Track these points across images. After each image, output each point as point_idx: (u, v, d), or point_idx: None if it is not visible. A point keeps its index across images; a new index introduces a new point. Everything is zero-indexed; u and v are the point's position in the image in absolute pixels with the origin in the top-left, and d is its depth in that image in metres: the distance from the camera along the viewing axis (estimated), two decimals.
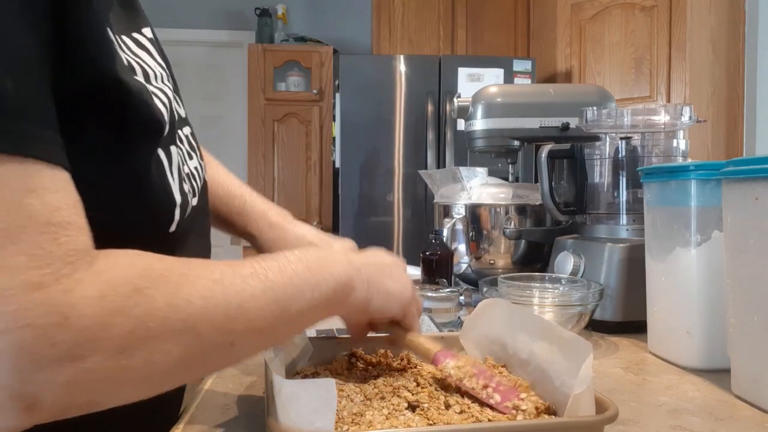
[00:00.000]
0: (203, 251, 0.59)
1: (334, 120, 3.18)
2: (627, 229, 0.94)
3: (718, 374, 0.67)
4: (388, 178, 2.75)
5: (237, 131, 3.69)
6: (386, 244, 2.73)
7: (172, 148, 0.47)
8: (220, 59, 3.70)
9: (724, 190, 0.63)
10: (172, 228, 0.46)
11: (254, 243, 0.75)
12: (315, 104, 3.30)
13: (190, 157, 0.55)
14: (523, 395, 0.49)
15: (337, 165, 2.85)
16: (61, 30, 0.35)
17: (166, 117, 0.44)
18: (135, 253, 0.37)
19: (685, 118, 0.91)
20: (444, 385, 0.54)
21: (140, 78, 0.43)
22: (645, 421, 0.55)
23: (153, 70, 0.47)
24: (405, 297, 0.56)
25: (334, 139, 3.22)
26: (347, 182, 2.75)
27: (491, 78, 2.72)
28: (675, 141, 0.95)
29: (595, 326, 0.89)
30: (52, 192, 0.32)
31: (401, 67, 2.74)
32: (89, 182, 0.37)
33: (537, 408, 0.47)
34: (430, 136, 2.68)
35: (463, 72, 2.73)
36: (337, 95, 2.80)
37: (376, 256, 0.57)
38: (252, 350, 0.42)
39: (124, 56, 0.42)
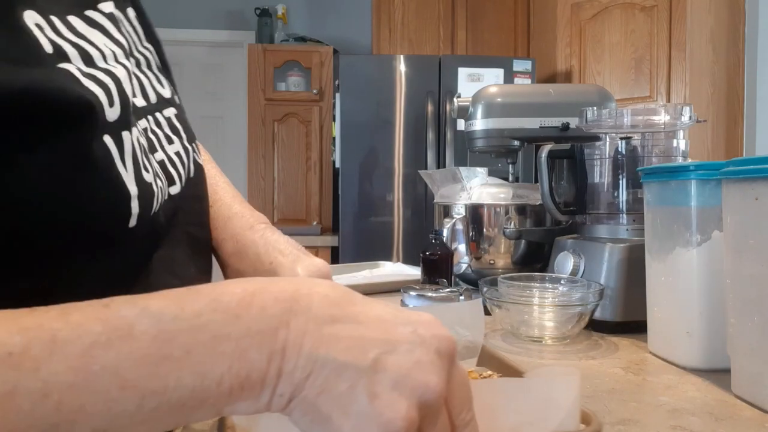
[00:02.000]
0: (195, 241, 0.53)
1: (334, 120, 3.18)
2: (627, 229, 0.94)
3: (718, 374, 0.67)
4: (388, 178, 2.75)
5: (237, 131, 3.69)
6: (386, 244, 2.73)
7: (124, 134, 0.40)
8: (220, 59, 3.71)
9: (724, 190, 0.63)
10: (132, 223, 0.39)
11: (216, 258, 0.59)
12: (315, 104, 3.30)
13: (170, 142, 0.50)
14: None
15: (337, 165, 2.85)
16: None
17: (104, 100, 0.37)
18: None
19: (685, 118, 0.91)
20: None
21: (75, 62, 0.37)
22: (645, 421, 0.55)
23: (101, 50, 0.40)
24: (423, 384, 0.29)
25: (334, 139, 3.22)
26: (347, 182, 2.75)
27: (491, 78, 2.72)
28: (675, 141, 0.95)
29: (595, 326, 0.89)
30: None
31: (401, 67, 2.74)
32: (12, 182, 0.33)
33: None
34: (430, 136, 2.68)
35: (463, 72, 2.73)
36: (337, 95, 2.80)
37: (359, 322, 0.31)
38: None
39: (51, 40, 0.36)
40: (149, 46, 0.51)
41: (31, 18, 0.35)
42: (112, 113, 0.39)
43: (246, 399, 0.29)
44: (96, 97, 0.37)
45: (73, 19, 0.40)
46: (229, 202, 0.61)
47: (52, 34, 0.37)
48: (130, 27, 0.48)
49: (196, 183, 0.54)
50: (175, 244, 0.49)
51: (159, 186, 0.44)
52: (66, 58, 0.37)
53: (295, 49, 3.34)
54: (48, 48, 0.36)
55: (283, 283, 0.31)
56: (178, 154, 0.51)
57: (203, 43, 3.67)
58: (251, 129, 3.29)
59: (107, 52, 0.41)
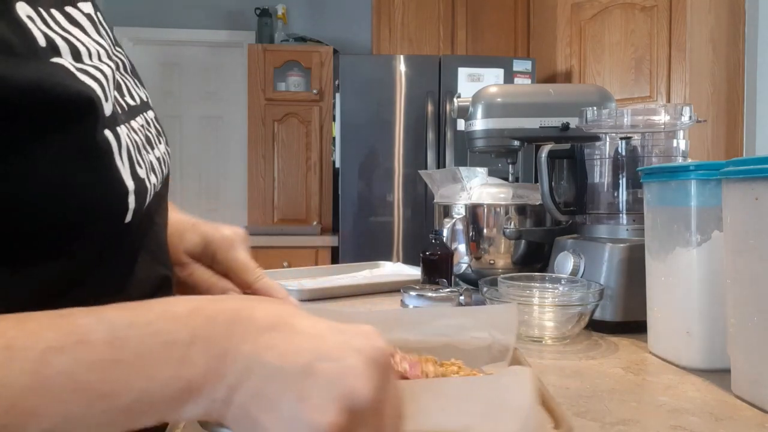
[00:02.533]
0: (164, 228, 0.55)
1: (334, 120, 3.18)
2: (627, 229, 0.94)
3: (718, 374, 0.67)
4: (388, 178, 2.75)
5: (237, 131, 3.69)
6: (386, 244, 2.73)
7: (119, 130, 0.41)
8: (220, 59, 3.70)
9: (724, 190, 0.63)
10: (128, 218, 0.39)
11: None
12: (315, 104, 3.30)
13: (159, 142, 0.51)
14: (430, 366, 0.50)
15: (337, 165, 2.85)
16: None
17: (101, 94, 0.38)
18: None
19: (685, 118, 0.91)
20: None
21: (66, 57, 0.37)
22: (645, 421, 0.55)
23: (87, 47, 0.41)
24: (331, 417, 0.29)
25: (334, 139, 3.22)
26: (347, 182, 2.75)
27: (491, 78, 2.72)
28: (675, 141, 0.95)
29: (595, 326, 0.89)
30: None
31: (401, 67, 2.74)
32: (17, 176, 0.33)
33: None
34: (430, 136, 2.68)
35: (463, 72, 2.73)
36: (337, 95, 2.80)
37: (297, 332, 0.31)
38: None
39: (44, 33, 0.37)
40: (120, 50, 0.51)
41: (23, 10, 0.35)
42: (107, 108, 0.39)
43: (189, 403, 0.29)
44: (94, 91, 0.37)
45: (56, 14, 0.40)
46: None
47: (43, 27, 0.37)
48: (104, 30, 0.48)
49: (166, 183, 0.55)
50: (158, 235, 0.51)
51: (152, 182, 0.45)
52: (58, 53, 0.37)
53: (295, 49, 3.34)
54: (42, 41, 0.36)
55: (230, 300, 0.34)
56: (164, 153, 0.53)
57: (203, 43, 3.67)
58: (251, 129, 3.29)
59: (92, 50, 0.41)
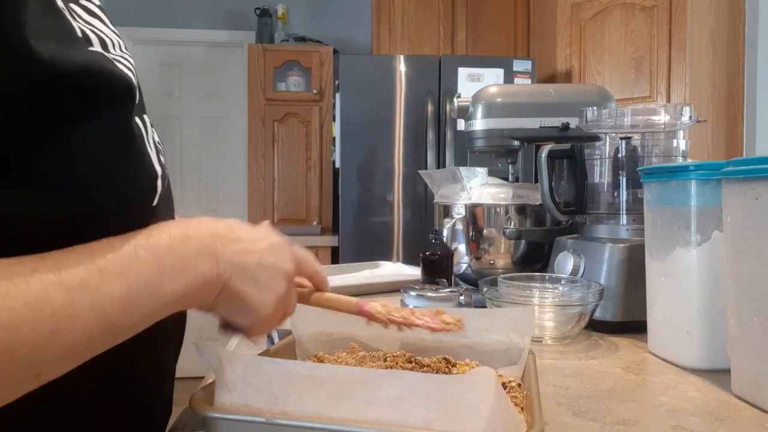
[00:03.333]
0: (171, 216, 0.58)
1: (334, 120, 3.18)
2: (627, 229, 0.94)
3: (718, 374, 0.67)
4: (388, 178, 2.75)
5: (237, 131, 3.69)
6: (386, 244, 2.73)
7: (146, 118, 0.45)
8: (220, 59, 3.70)
9: (724, 190, 0.63)
10: (155, 201, 0.43)
11: None
12: (315, 104, 3.30)
13: (154, 133, 0.54)
14: (445, 315, 0.56)
15: (337, 165, 2.85)
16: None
17: (134, 81, 0.41)
18: None
19: (685, 118, 0.91)
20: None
21: (97, 47, 0.40)
22: (645, 421, 0.55)
23: (110, 38, 0.43)
24: (285, 271, 0.50)
25: (334, 139, 3.22)
26: (347, 182, 2.75)
27: (491, 78, 2.72)
28: (675, 141, 0.95)
29: (595, 326, 0.89)
30: None
31: (401, 67, 2.74)
32: (64, 159, 0.35)
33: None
34: (430, 136, 2.68)
35: (463, 72, 2.73)
36: (337, 95, 2.80)
37: (243, 240, 0.48)
38: (62, 372, 0.36)
39: (77, 26, 0.39)
40: (116, 31, 0.52)
41: (58, 3, 0.37)
42: (137, 96, 0.42)
43: (203, 297, 0.44)
44: (130, 79, 0.40)
45: (75, 7, 0.42)
46: None
47: (73, 20, 0.39)
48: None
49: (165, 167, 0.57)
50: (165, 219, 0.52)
51: (165, 169, 0.48)
52: (90, 43, 0.40)
53: (295, 49, 3.34)
54: (78, 32, 0.38)
55: (205, 222, 0.46)
56: (158, 142, 0.54)
57: (203, 43, 3.66)
58: (251, 129, 3.29)
59: (114, 41, 0.44)
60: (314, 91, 3.27)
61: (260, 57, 3.26)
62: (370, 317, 0.56)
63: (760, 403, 0.58)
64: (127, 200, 0.40)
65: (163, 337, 0.51)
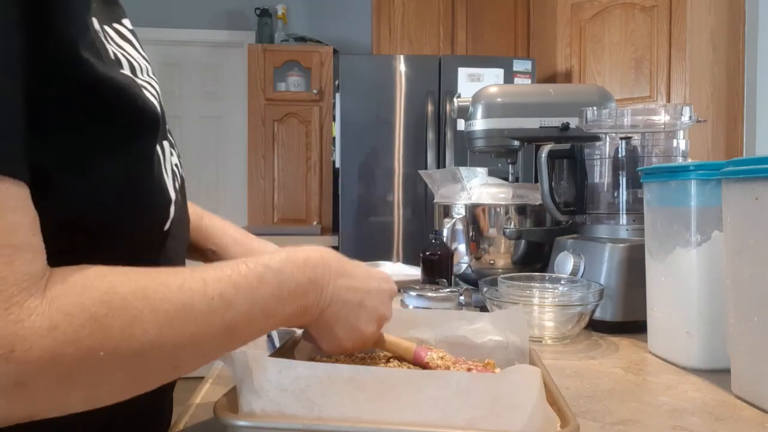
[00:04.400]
0: (184, 243, 0.58)
1: (334, 120, 3.18)
2: (627, 229, 0.94)
3: (718, 374, 0.67)
4: (388, 178, 2.75)
5: (237, 131, 3.69)
6: (386, 244, 2.73)
7: (165, 143, 0.46)
8: (220, 59, 3.70)
9: (724, 190, 0.63)
10: (167, 226, 0.45)
11: (214, 259, 0.70)
12: (315, 104, 3.30)
13: (171, 153, 0.54)
14: (497, 370, 0.57)
15: (337, 165, 2.85)
16: (42, 27, 0.34)
17: (159, 110, 0.43)
18: (95, 272, 0.35)
19: (685, 118, 0.91)
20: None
21: (127, 71, 0.42)
22: (645, 421, 0.55)
23: (138, 63, 0.45)
24: (381, 315, 0.54)
25: (334, 139, 3.22)
26: (347, 182, 2.75)
27: (491, 78, 2.72)
28: (675, 141, 0.95)
29: (595, 326, 0.89)
30: (13, 211, 0.31)
31: (401, 67, 2.74)
32: (87, 182, 0.36)
33: None
34: (430, 136, 2.68)
35: (463, 72, 2.73)
36: (337, 95, 2.80)
37: (353, 277, 0.52)
38: (195, 368, 0.41)
39: (111, 49, 0.40)
40: (145, 56, 0.53)
41: (95, 25, 0.39)
42: (161, 122, 0.43)
43: (302, 318, 0.48)
44: (156, 108, 0.42)
45: (109, 30, 0.43)
46: (212, 216, 0.74)
47: (106, 42, 0.40)
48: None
49: (183, 191, 0.57)
50: (176, 244, 0.52)
51: (178, 193, 0.50)
52: (121, 66, 0.41)
53: (295, 49, 3.34)
54: (111, 54, 0.40)
55: (315, 251, 0.50)
56: (176, 165, 0.54)
57: (203, 43, 3.66)
58: (251, 129, 3.29)
59: (142, 66, 0.45)
60: (314, 91, 3.27)
61: (260, 57, 3.25)
62: (426, 368, 0.56)
63: (760, 403, 0.58)
64: (139, 225, 0.42)
65: None
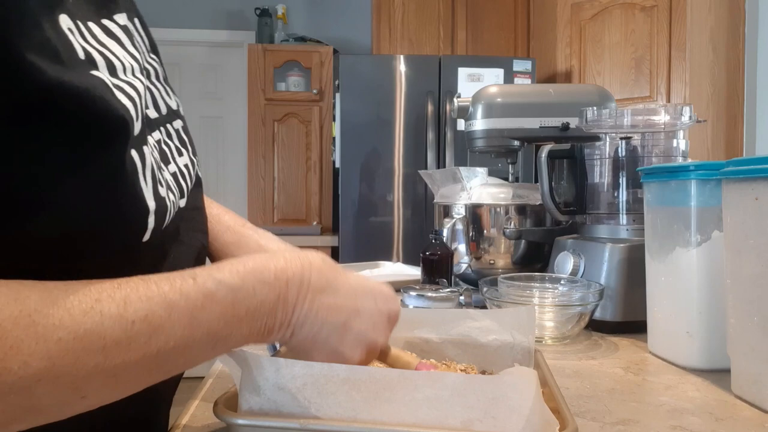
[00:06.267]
0: (196, 247, 0.54)
1: (334, 120, 3.18)
2: (627, 229, 0.94)
3: (718, 374, 0.67)
4: (388, 178, 2.75)
5: (237, 131, 3.69)
6: (386, 244, 2.73)
7: (145, 149, 0.41)
8: (220, 59, 3.70)
9: (724, 190, 0.63)
10: (146, 237, 0.40)
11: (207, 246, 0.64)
12: (315, 104, 3.30)
13: (180, 154, 0.51)
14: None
15: (337, 165, 2.85)
16: None
17: (133, 113, 0.38)
18: None
19: (685, 118, 0.91)
20: None
21: (102, 71, 0.37)
22: (645, 421, 0.55)
23: (121, 62, 0.41)
24: (370, 342, 0.47)
25: (334, 139, 3.22)
26: (347, 182, 2.75)
27: (491, 78, 2.72)
28: (675, 141, 0.95)
29: (595, 326, 0.89)
30: None
31: (401, 67, 2.74)
32: (48, 190, 0.34)
33: None
34: (430, 136, 2.68)
35: (463, 72, 2.73)
36: (337, 95, 2.80)
37: (338, 294, 0.45)
38: (114, 398, 0.36)
39: (82, 47, 0.36)
40: (154, 56, 0.51)
41: (65, 22, 0.35)
42: (137, 128, 0.39)
43: (266, 338, 0.42)
44: (128, 111, 0.37)
45: (93, 27, 0.40)
46: (210, 201, 0.67)
47: (81, 40, 0.37)
48: (139, 38, 0.47)
49: (196, 193, 0.55)
50: (181, 252, 0.50)
51: (171, 200, 0.44)
52: (95, 66, 0.37)
53: (295, 49, 3.34)
54: (81, 54, 0.36)
55: (295, 261, 0.44)
56: (186, 166, 0.51)
57: (203, 43, 3.66)
58: (251, 129, 3.29)
59: (126, 65, 0.41)
60: (314, 91, 3.27)
61: (260, 57, 3.26)
62: None
63: (760, 403, 0.58)
64: (109, 237, 0.38)
65: None
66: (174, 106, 0.53)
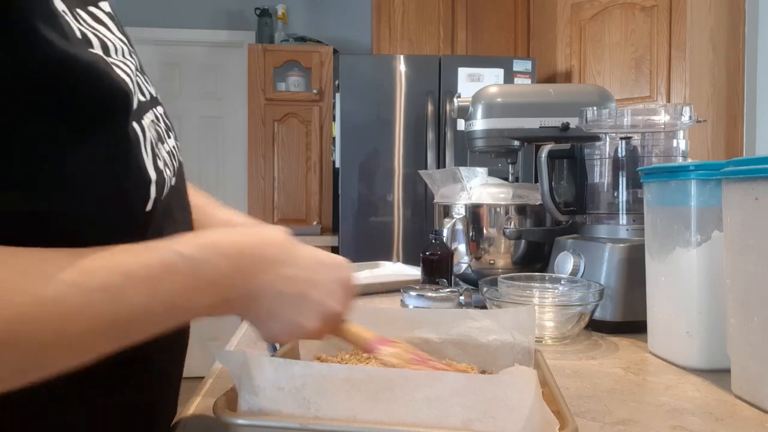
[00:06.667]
0: (185, 225, 0.56)
1: (334, 120, 3.18)
2: (627, 229, 0.94)
3: (718, 374, 0.67)
4: (388, 178, 2.75)
5: (237, 131, 3.69)
6: (386, 244, 2.73)
7: (144, 122, 0.43)
8: (220, 59, 3.70)
9: (724, 190, 0.63)
10: (149, 206, 0.42)
11: None
12: (315, 104, 3.30)
13: (168, 137, 0.53)
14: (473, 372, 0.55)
15: (337, 165, 2.85)
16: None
17: (132, 87, 0.40)
18: None
19: (685, 118, 0.91)
20: None
21: (98, 50, 0.39)
22: (645, 421, 0.55)
23: (113, 44, 0.43)
24: (328, 312, 0.48)
25: (334, 139, 3.22)
26: (347, 182, 2.75)
27: (491, 78, 2.72)
28: (675, 141, 0.95)
29: (595, 326, 0.89)
30: None
31: (401, 67, 2.74)
32: (55, 163, 0.35)
33: None
34: (430, 136, 2.68)
35: (463, 72, 2.73)
36: (337, 95, 2.80)
37: (297, 266, 0.47)
38: (72, 366, 0.36)
39: (78, 28, 0.38)
40: (123, 38, 0.52)
41: (59, 5, 0.37)
42: (135, 101, 0.41)
43: (225, 309, 0.44)
44: (127, 84, 0.39)
45: (82, 13, 0.41)
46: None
47: (74, 22, 0.38)
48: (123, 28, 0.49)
49: (181, 176, 0.56)
50: (174, 226, 0.51)
51: (167, 174, 0.47)
52: (91, 45, 0.39)
53: (295, 49, 3.34)
54: (78, 33, 0.38)
55: (254, 235, 0.46)
56: (175, 148, 0.53)
57: (203, 43, 3.66)
58: (251, 129, 3.29)
59: (117, 47, 0.43)
60: (314, 91, 3.27)
61: (260, 57, 3.25)
62: (381, 362, 0.53)
63: (760, 403, 0.58)
64: (114, 207, 0.40)
65: (168, 345, 0.50)
66: (154, 93, 0.55)
